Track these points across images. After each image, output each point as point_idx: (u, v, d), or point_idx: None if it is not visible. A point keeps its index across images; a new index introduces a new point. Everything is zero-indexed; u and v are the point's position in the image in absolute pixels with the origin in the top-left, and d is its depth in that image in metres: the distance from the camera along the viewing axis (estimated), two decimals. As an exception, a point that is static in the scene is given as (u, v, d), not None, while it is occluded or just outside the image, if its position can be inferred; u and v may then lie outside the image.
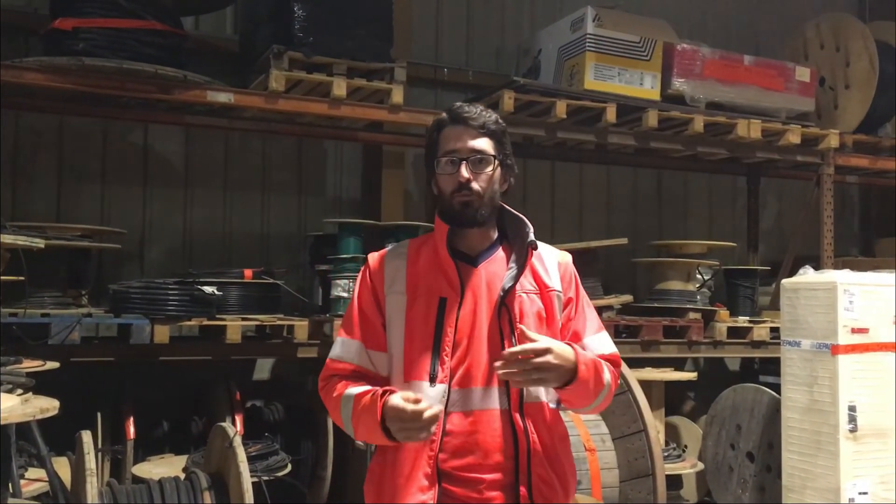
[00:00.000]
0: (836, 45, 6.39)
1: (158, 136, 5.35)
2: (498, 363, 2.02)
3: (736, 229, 7.07)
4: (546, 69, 5.57)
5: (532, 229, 2.25)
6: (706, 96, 5.52)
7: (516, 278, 2.19)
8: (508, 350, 2.03)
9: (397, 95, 4.69)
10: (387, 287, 2.24)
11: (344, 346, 2.26)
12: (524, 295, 2.20)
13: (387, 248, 2.36)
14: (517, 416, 2.12)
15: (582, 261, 5.33)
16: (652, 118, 5.28)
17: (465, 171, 2.16)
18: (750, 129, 5.56)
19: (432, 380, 2.12)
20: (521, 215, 2.29)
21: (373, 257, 2.32)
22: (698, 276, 5.84)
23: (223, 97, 4.43)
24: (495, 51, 6.39)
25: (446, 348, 2.14)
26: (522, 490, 2.11)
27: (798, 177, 6.76)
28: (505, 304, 2.16)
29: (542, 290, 2.24)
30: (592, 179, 6.72)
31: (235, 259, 5.41)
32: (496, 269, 2.23)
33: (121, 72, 4.18)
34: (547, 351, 2.02)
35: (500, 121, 2.25)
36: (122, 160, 5.27)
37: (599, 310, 5.23)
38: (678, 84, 5.43)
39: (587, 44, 5.18)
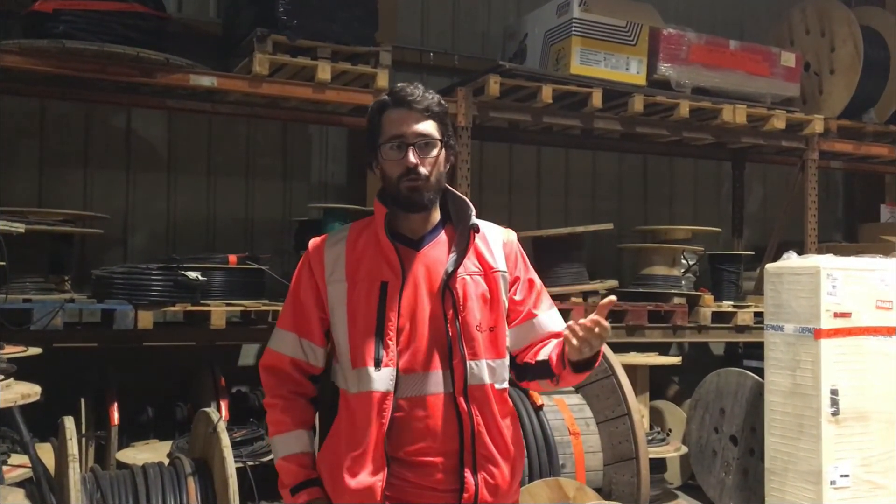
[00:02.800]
0: (822, 30, 6.40)
1: (141, 121, 5.31)
2: (583, 322, 2.04)
3: (721, 214, 7.10)
4: (532, 54, 5.55)
5: (474, 211, 2.25)
6: (692, 81, 5.52)
7: (459, 261, 2.18)
8: (597, 318, 2.03)
9: (382, 80, 4.66)
10: (327, 276, 2.23)
11: (280, 338, 2.29)
12: (468, 277, 2.20)
13: (326, 235, 2.32)
14: (461, 399, 2.14)
15: (567, 246, 5.39)
16: (637, 103, 5.27)
17: (412, 157, 2.14)
18: (735, 115, 5.57)
19: (377, 364, 2.12)
20: (463, 196, 2.28)
21: (313, 245, 2.30)
22: (683, 262, 5.86)
23: (206, 81, 4.38)
24: (481, 35, 6.37)
25: (390, 333, 2.13)
26: (467, 473, 2.14)
27: (783, 162, 6.79)
28: (448, 287, 2.16)
29: (487, 271, 2.24)
30: (578, 165, 6.72)
31: (220, 244, 5.38)
32: (439, 252, 2.22)
33: (102, 55, 4.13)
34: (608, 335, 2.06)
35: (443, 102, 2.23)
36: (105, 145, 5.22)
37: (585, 294, 5.25)
38: (664, 69, 5.43)
39: (573, 28, 5.16)
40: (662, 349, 5.74)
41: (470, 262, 2.22)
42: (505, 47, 5.94)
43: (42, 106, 5.04)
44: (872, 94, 6.44)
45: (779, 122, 5.75)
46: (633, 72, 5.33)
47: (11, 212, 4.05)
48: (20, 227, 3.36)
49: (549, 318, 2.32)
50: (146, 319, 4.15)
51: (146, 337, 4.31)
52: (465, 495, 2.13)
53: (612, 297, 2.07)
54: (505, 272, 2.27)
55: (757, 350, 5.15)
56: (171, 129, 5.39)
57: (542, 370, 2.25)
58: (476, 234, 2.23)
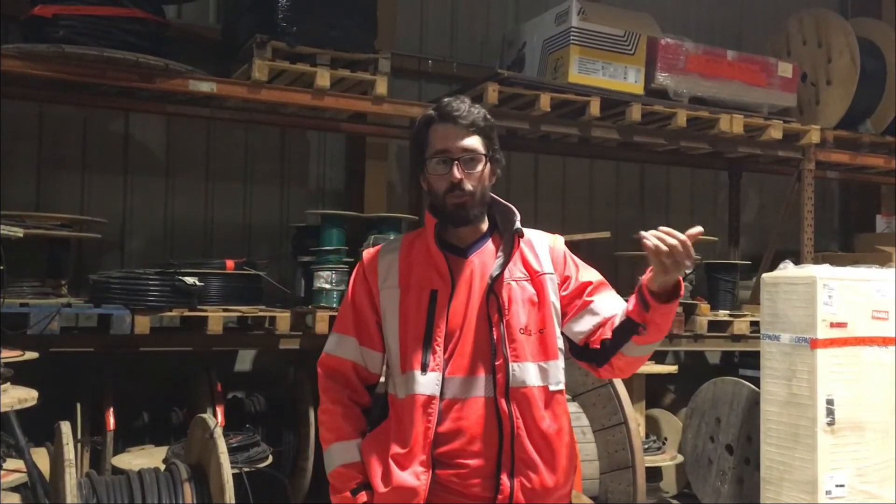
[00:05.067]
0: (819, 41, 6.42)
1: (140, 125, 5.31)
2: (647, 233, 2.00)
3: (717, 223, 7.09)
4: (530, 62, 5.57)
5: (519, 217, 2.28)
6: (689, 91, 5.54)
7: (503, 266, 2.22)
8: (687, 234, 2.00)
9: (381, 86, 4.67)
10: (380, 282, 2.28)
11: (340, 342, 2.33)
12: (513, 283, 2.23)
13: (381, 245, 2.38)
14: (503, 401, 2.15)
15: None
16: (635, 112, 5.29)
17: (457, 172, 2.18)
18: (732, 124, 5.58)
19: (424, 369, 2.16)
20: (509, 204, 2.31)
21: (367, 254, 2.36)
22: (680, 270, 5.86)
23: (205, 86, 4.39)
24: (480, 43, 6.39)
25: (438, 339, 2.17)
26: (503, 477, 2.14)
27: (779, 172, 6.81)
28: (493, 291, 2.19)
29: (533, 276, 2.26)
30: (576, 173, 6.73)
31: (217, 250, 5.38)
32: (486, 259, 2.26)
33: (101, 60, 4.14)
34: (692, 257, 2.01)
35: (489, 116, 2.26)
36: (103, 149, 5.22)
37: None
38: (661, 78, 5.44)
39: (571, 37, 5.18)
40: (659, 358, 5.74)
41: (516, 269, 2.25)
42: (503, 55, 5.95)
43: (41, 110, 5.03)
44: (869, 105, 6.46)
45: (775, 132, 5.76)
46: (630, 81, 5.35)
47: (9, 216, 4.05)
48: (18, 232, 3.37)
49: (607, 301, 2.29)
50: (143, 324, 4.15)
51: (143, 342, 4.31)
52: (500, 497, 2.14)
53: (699, 228, 2.03)
54: (552, 274, 2.29)
55: (753, 359, 5.16)
56: (170, 134, 5.39)
57: (624, 331, 2.19)
58: (521, 240, 2.26)
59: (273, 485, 4.45)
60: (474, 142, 2.21)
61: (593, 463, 4.24)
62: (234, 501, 3.31)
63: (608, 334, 2.23)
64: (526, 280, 2.25)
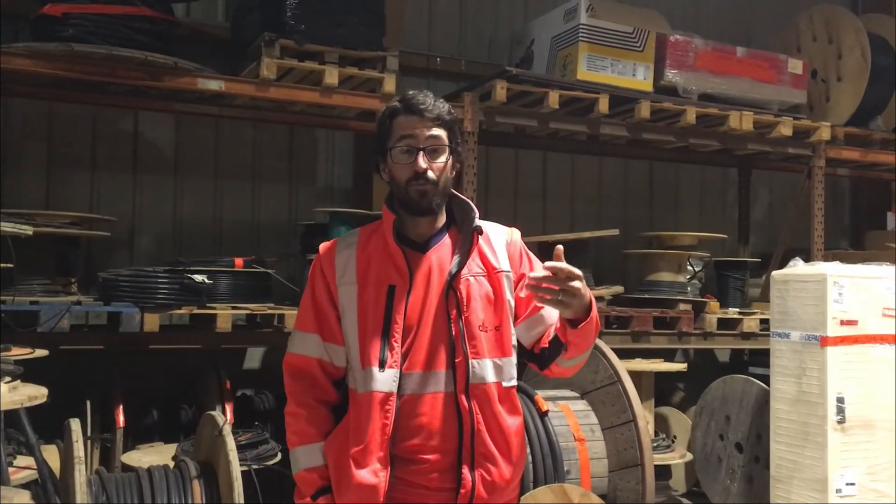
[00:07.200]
0: (829, 37, 6.39)
1: (148, 124, 5.32)
2: (535, 275, 2.04)
3: (727, 221, 7.09)
4: (539, 59, 5.56)
5: (477, 213, 2.30)
6: (698, 88, 5.52)
7: (462, 263, 2.23)
8: (550, 263, 2.03)
9: (389, 84, 4.66)
10: (338, 278, 2.28)
11: (304, 340, 2.33)
12: (472, 278, 2.24)
13: (337, 238, 2.38)
14: (462, 397, 2.17)
15: (573, 252, 5.35)
16: (644, 109, 5.27)
17: (422, 162, 2.19)
18: (742, 121, 5.56)
19: (381, 365, 2.16)
20: (467, 199, 2.34)
21: (323, 248, 2.35)
22: (689, 268, 5.85)
23: (214, 84, 4.39)
24: (488, 40, 6.38)
25: (395, 335, 2.18)
26: (464, 470, 2.17)
27: (789, 169, 6.78)
28: (452, 288, 2.20)
29: (490, 271, 2.28)
30: (584, 170, 6.72)
31: (226, 247, 5.39)
32: (444, 254, 2.27)
33: (110, 58, 4.14)
34: (580, 277, 2.05)
35: (452, 111, 2.28)
36: (112, 147, 5.24)
37: (590, 300, 5.23)
38: (671, 75, 5.43)
39: (580, 34, 5.17)
40: (668, 355, 5.72)
41: (474, 264, 2.27)
42: (512, 52, 5.95)
43: (50, 108, 5.05)
44: (880, 102, 6.43)
45: (785, 128, 5.74)
46: (639, 78, 5.33)
47: (19, 214, 4.06)
48: (28, 230, 3.38)
49: (553, 309, 2.30)
50: (152, 322, 4.16)
51: (152, 339, 4.33)
52: (462, 492, 2.16)
53: (559, 246, 2.06)
54: (509, 272, 2.31)
55: (762, 357, 5.14)
56: (179, 132, 5.41)
57: (555, 346, 2.26)
58: (479, 236, 2.28)
59: (282, 482, 4.45)
60: (438, 133, 2.22)
61: (602, 461, 4.23)
62: (242, 499, 3.32)
63: (546, 344, 2.29)
64: (483, 275, 2.27)
